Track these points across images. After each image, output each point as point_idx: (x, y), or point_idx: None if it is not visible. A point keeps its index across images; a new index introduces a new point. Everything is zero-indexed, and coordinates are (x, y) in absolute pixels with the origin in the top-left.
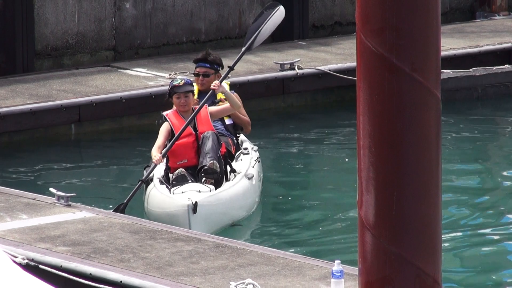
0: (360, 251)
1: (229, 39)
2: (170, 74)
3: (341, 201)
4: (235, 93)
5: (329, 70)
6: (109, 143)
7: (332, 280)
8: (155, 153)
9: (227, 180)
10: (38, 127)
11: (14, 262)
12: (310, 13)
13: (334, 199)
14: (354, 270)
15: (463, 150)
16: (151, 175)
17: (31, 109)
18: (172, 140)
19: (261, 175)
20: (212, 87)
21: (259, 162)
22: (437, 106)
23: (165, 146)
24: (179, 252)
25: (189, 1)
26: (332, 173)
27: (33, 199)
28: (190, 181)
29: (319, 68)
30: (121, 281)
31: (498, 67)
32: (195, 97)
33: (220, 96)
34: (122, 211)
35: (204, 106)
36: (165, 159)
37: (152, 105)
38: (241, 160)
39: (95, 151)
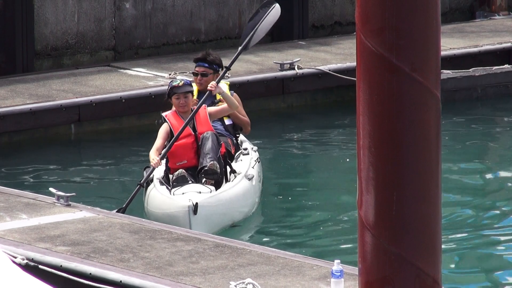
0: (360, 251)
1: (229, 39)
2: (170, 74)
3: (341, 201)
4: (234, 94)
5: (329, 70)
6: (109, 143)
7: (332, 280)
8: (153, 156)
9: (227, 180)
10: (38, 127)
11: (14, 262)
12: (310, 13)
13: (334, 199)
14: (354, 270)
15: (463, 150)
16: (150, 176)
17: (31, 109)
18: (171, 142)
19: (261, 175)
20: (209, 88)
21: (259, 162)
22: (437, 106)
23: (164, 147)
24: (179, 252)
25: (189, 1)
26: (332, 173)
27: (33, 199)
28: (190, 182)
29: (319, 68)
30: (121, 281)
31: (498, 67)
32: (195, 97)
33: (220, 96)
34: None
35: (203, 106)
36: (164, 160)
37: (152, 105)
38: (241, 160)
39: (95, 151)
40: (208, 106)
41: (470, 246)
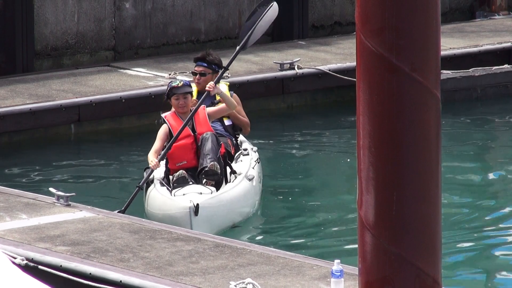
0: (360, 251)
1: (229, 39)
2: (169, 74)
3: (341, 201)
4: (234, 94)
5: (329, 70)
6: (108, 143)
7: (332, 279)
8: (152, 157)
9: (226, 181)
10: (38, 127)
11: (13, 263)
12: (310, 13)
13: (334, 199)
14: (354, 270)
15: (463, 150)
16: (150, 177)
17: (30, 109)
18: (170, 143)
19: (261, 176)
20: (207, 88)
21: (259, 163)
22: (437, 106)
23: (164, 148)
24: (179, 251)
25: (188, 1)
26: (332, 173)
27: (32, 199)
28: (190, 182)
29: (319, 68)
30: (120, 281)
31: (497, 67)
32: (194, 98)
33: (219, 97)
34: None
35: (202, 107)
36: (164, 161)
37: (152, 105)
38: (241, 161)
39: (95, 151)
40: (207, 107)
41: (470, 246)
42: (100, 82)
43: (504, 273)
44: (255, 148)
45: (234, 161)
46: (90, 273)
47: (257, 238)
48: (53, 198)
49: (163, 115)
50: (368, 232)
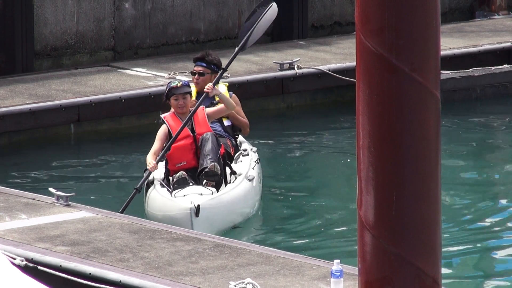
0: (360, 251)
1: (229, 39)
2: (169, 74)
3: (341, 201)
4: (233, 95)
5: (329, 70)
6: (108, 143)
7: (332, 279)
8: (150, 159)
9: (226, 182)
10: (38, 127)
11: (13, 264)
12: (309, 13)
13: (334, 199)
14: (354, 270)
15: (462, 150)
16: (150, 178)
17: (30, 109)
18: (168, 144)
19: (261, 176)
20: (205, 90)
21: (258, 163)
22: (437, 106)
23: (163, 149)
24: (179, 251)
25: (188, 1)
26: (331, 173)
27: (32, 199)
28: (191, 183)
29: (319, 67)
30: (120, 281)
31: (497, 67)
32: (193, 98)
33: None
34: None
35: (201, 107)
36: (164, 162)
37: (152, 105)
38: (241, 161)
39: (95, 151)
40: (206, 107)
41: (470, 245)
42: (99, 82)
43: (504, 273)
44: (254, 149)
45: (233, 162)
46: (90, 273)
47: (256, 238)
48: (53, 198)
49: (162, 115)
50: (367, 232)
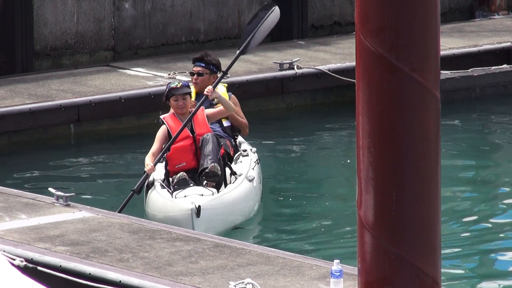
0: (360, 251)
1: (228, 39)
2: (169, 74)
3: (341, 201)
4: (232, 96)
5: (328, 70)
6: (108, 143)
7: (331, 279)
8: (148, 161)
9: (226, 182)
10: (37, 127)
11: (12, 265)
12: (309, 13)
13: (334, 199)
14: (354, 270)
15: (462, 150)
16: (150, 179)
17: (30, 109)
18: (168, 144)
19: (261, 176)
20: (205, 92)
21: (258, 163)
22: (436, 106)
23: (162, 150)
24: (178, 252)
25: (188, 1)
26: (331, 173)
27: (32, 199)
28: (191, 184)
29: (318, 67)
30: (120, 281)
31: (496, 67)
32: (193, 99)
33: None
34: None
35: (201, 108)
36: (163, 162)
37: (151, 105)
38: (241, 162)
39: (94, 151)
40: (206, 108)
41: (470, 245)
42: (99, 82)
43: (503, 273)
44: (254, 149)
45: (233, 162)
46: (90, 273)
47: (256, 238)
48: (53, 198)
49: (161, 116)
50: (367, 232)
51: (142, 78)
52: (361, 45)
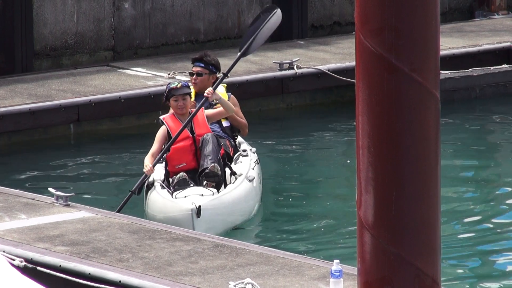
0: (359, 251)
1: (228, 39)
2: (169, 74)
3: (341, 201)
4: (232, 96)
5: (328, 70)
6: (108, 143)
7: (331, 279)
8: (147, 162)
9: (226, 182)
10: (37, 127)
11: (12, 265)
12: (309, 13)
13: (334, 199)
14: (353, 270)
15: (462, 150)
16: (150, 180)
17: (30, 109)
18: (167, 145)
19: (261, 176)
20: (205, 94)
21: (258, 163)
22: (436, 106)
23: (161, 150)
24: (178, 252)
25: (188, 1)
26: (331, 173)
27: (32, 199)
28: (191, 184)
29: (318, 67)
30: (120, 281)
31: (496, 67)
32: (192, 99)
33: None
34: None
35: (201, 109)
36: (163, 163)
37: (151, 104)
38: (241, 162)
39: (94, 151)
40: (206, 109)
41: (469, 245)
42: (99, 82)
43: (503, 273)
44: (254, 149)
45: (233, 163)
46: (89, 273)
47: (256, 238)
48: (52, 198)
49: (161, 117)
50: (367, 232)
51: (142, 78)
52: (361, 45)
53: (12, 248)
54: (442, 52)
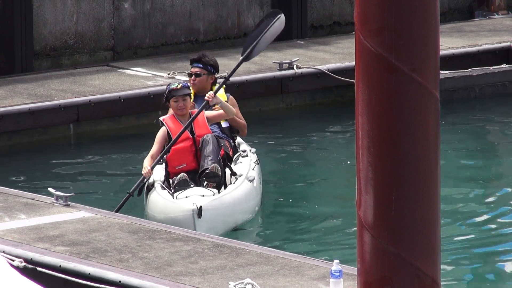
0: (359, 251)
1: (228, 39)
2: (168, 74)
3: (340, 201)
4: (231, 97)
5: (328, 70)
6: (107, 143)
7: (331, 280)
8: (146, 164)
9: (226, 183)
10: (37, 127)
11: (12, 266)
12: (308, 13)
13: (333, 199)
14: (353, 270)
15: (461, 149)
16: (150, 181)
17: (29, 109)
18: (167, 147)
19: (261, 177)
20: (206, 98)
21: (258, 164)
22: (436, 106)
23: (161, 151)
24: (178, 252)
25: (187, 1)
26: (331, 173)
27: (31, 199)
28: (192, 185)
29: (318, 67)
30: (120, 281)
31: (495, 66)
32: (191, 100)
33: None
34: None
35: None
36: (163, 164)
37: (151, 104)
38: (240, 162)
39: (94, 151)
40: (205, 110)
41: (469, 245)
42: (99, 82)
43: (503, 273)
44: (253, 150)
45: (233, 163)
46: (89, 273)
47: (256, 238)
48: (52, 198)
49: (161, 118)
50: (367, 232)
51: (142, 78)
52: (361, 45)
53: (12, 248)
54: (441, 52)
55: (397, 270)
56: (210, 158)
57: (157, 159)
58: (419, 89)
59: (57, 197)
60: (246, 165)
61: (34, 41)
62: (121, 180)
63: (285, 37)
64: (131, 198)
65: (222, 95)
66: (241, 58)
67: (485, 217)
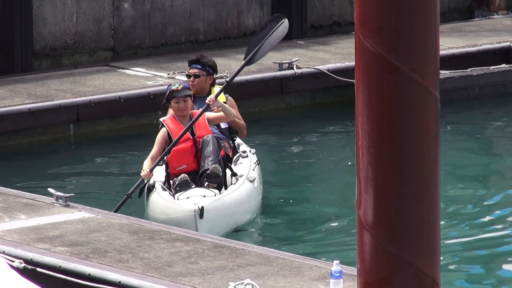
0: (359, 251)
1: (228, 39)
2: (168, 74)
3: (340, 201)
4: (229, 97)
5: (328, 70)
6: (107, 143)
7: (331, 280)
8: (145, 166)
9: (226, 183)
10: (37, 127)
11: (12, 267)
12: (308, 13)
13: (333, 199)
14: (353, 271)
15: (461, 149)
16: (150, 182)
17: (29, 109)
18: (167, 149)
19: (261, 177)
20: (207, 102)
21: (258, 164)
22: (436, 106)
23: (161, 153)
24: (178, 252)
25: (187, 1)
26: (331, 173)
27: (31, 199)
28: (193, 186)
29: (318, 67)
30: (119, 282)
31: (495, 66)
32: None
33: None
34: None
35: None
36: (164, 165)
37: (151, 104)
38: (241, 163)
39: (94, 151)
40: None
41: (469, 245)
42: (99, 82)
43: (503, 273)
44: (253, 150)
45: (233, 164)
46: (89, 274)
47: (256, 238)
48: (52, 198)
49: (161, 119)
50: (367, 232)
51: (142, 78)
52: (361, 45)
53: (12, 248)
54: (441, 52)
55: (397, 270)
56: (210, 158)
57: (156, 161)
58: (419, 89)
59: (57, 198)
60: (247, 166)
61: (34, 41)
62: (121, 180)
63: (285, 37)
64: (130, 199)
65: (220, 96)
66: (243, 62)
67: (485, 217)
